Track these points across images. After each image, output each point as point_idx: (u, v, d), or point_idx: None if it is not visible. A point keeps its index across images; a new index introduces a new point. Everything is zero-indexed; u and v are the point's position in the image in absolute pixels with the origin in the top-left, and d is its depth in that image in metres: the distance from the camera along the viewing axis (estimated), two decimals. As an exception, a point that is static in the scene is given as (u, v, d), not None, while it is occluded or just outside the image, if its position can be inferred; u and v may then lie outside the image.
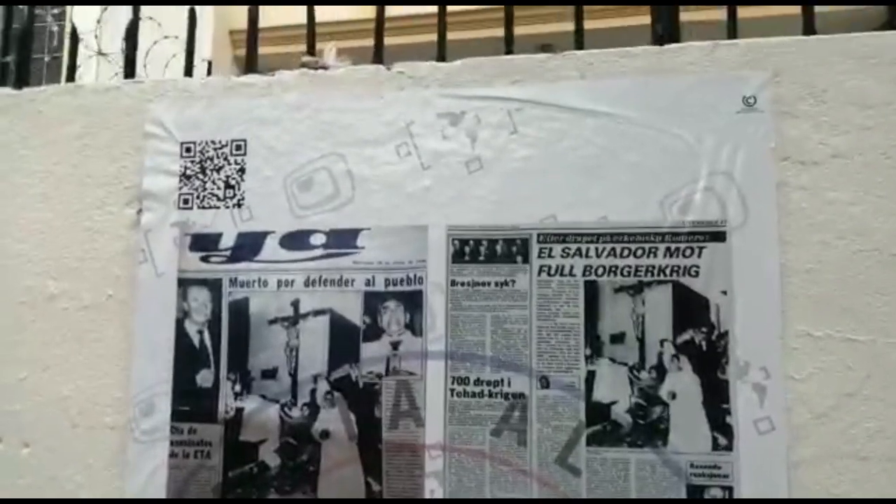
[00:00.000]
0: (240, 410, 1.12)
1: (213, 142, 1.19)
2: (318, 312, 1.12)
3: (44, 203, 1.24)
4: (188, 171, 1.19)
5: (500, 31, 1.25)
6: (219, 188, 1.18)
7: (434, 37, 1.26)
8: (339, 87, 1.18)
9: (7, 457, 1.18)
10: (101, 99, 1.25)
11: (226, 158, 1.18)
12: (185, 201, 1.18)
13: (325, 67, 1.23)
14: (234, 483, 1.11)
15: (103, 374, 1.18)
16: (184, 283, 1.16)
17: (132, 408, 1.15)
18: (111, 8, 4.11)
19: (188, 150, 1.20)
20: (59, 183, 1.24)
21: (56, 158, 1.25)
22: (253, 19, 1.35)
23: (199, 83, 1.23)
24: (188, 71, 1.37)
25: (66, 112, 1.26)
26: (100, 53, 4.27)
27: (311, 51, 1.31)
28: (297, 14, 1.40)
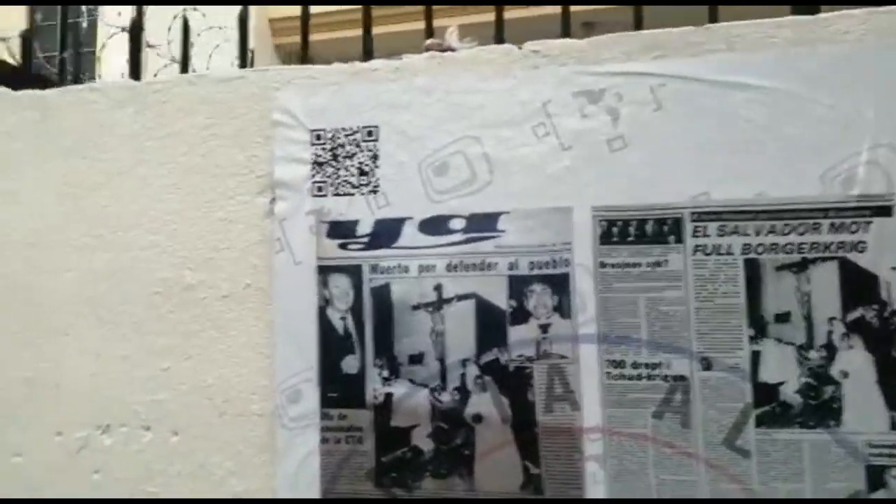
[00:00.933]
0: (389, 396, 1.05)
1: (343, 128, 1.11)
2: (462, 297, 1.05)
3: (174, 194, 1.17)
4: (320, 159, 1.11)
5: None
6: (353, 175, 1.10)
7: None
8: (470, 68, 1.09)
9: (157, 444, 1.13)
10: (225, 88, 1.17)
11: (357, 145, 1.10)
12: (319, 189, 1.10)
13: (451, 49, 1.13)
14: (387, 468, 1.05)
15: (246, 362, 1.11)
16: (324, 271, 1.09)
17: (279, 395, 1.09)
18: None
19: (318, 137, 1.11)
20: (188, 174, 1.17)
21: (183, 149, 1.17)
22: (366, 11, 1.26)
23: (324, 69, 1.14)
24: (304, 58, 1.28)
25: (191, 102, 1.18)
26: (149, 46, 4.17)
27: (430, 33, 1.21)
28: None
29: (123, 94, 1.21)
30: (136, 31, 1.33)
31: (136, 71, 1.31)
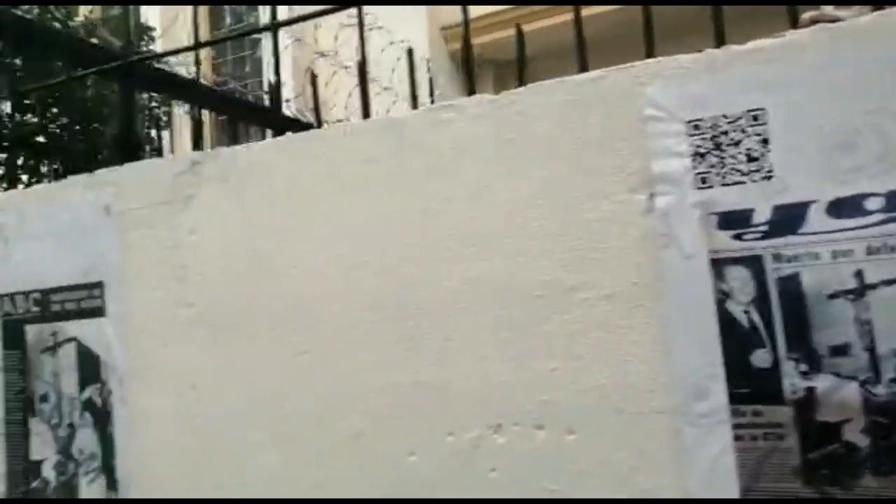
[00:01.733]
0: (810, 390, 0.99)
1: (724, 115, 1.07)
2: (889, 282, 0.96)
3: (543, 199, 1.19)
4: (701, 150, 1.08)
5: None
6: (741, 163, 1.05)
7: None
8: (868, 36, 1.01)
9: (551, 443, 1.15)
10: (589, 90, 1.17)
11: (743, 131, 1.05)
12: (704, 180, 1.07)
13: (838, 19, 1.05)
14: (816, 465, 0.99)
15: (640, 360, 1.10)
16: (718, 264, 1.05)
17: (681, 392, 1.06)
18: (347, 26, 4.23)
19: (696, 127, 1.08)
20: (556, 178, 1.18)
21: (548, 154, 1.19)
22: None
23: (695, 58, 1.11)
24: (582, 66, 1.25)
25: (552, 108, 1.19)
26: (344, 67, 4.45)
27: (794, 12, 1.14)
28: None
29: (481, 109, 1.25)
30: (468, 54, 1.38)
31: (471, 84, 1.35)
